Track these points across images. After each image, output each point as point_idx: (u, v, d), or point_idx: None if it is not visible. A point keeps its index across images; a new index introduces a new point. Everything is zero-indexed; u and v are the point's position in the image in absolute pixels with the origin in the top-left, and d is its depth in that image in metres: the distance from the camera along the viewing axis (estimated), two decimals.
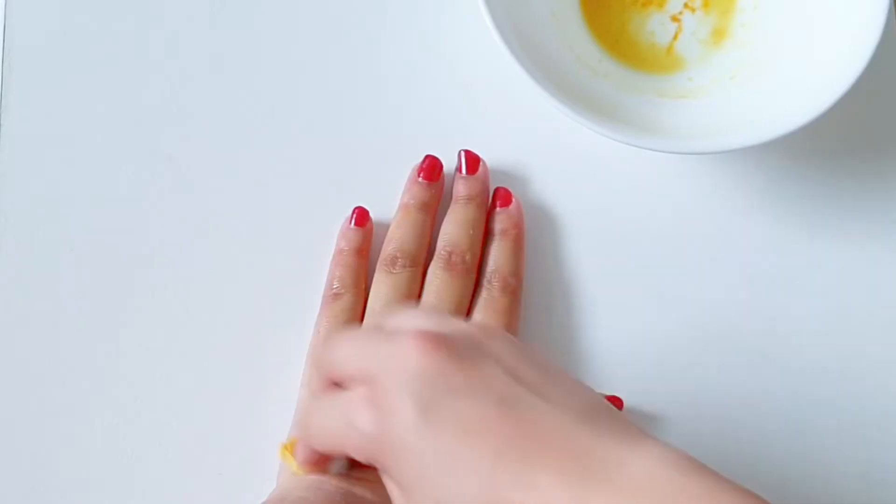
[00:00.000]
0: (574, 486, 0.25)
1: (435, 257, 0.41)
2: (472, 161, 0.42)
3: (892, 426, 0.42)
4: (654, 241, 0.43)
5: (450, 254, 0.40)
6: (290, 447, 0.35)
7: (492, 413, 0.26)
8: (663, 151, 0.39)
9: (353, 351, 0.30)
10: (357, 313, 0.40)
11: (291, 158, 0.43)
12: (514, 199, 0.42)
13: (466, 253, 0.40)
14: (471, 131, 0.43)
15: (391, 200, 0.42)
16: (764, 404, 0.42)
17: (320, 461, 0.34)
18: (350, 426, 0.28)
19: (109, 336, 0.41)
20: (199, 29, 0.44)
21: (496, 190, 0.42)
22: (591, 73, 0.43)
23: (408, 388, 0.27)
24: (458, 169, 0.42)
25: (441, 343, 0.27)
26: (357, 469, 0.36)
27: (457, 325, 0.29)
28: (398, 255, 0.40)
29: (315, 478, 0.35)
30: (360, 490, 0.35)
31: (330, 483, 0.35)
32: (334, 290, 0.40)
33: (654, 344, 0.42)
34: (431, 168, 0.42)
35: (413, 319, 0.29)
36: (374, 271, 0.41)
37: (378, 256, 0.41)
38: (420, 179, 0.42)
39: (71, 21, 0.44)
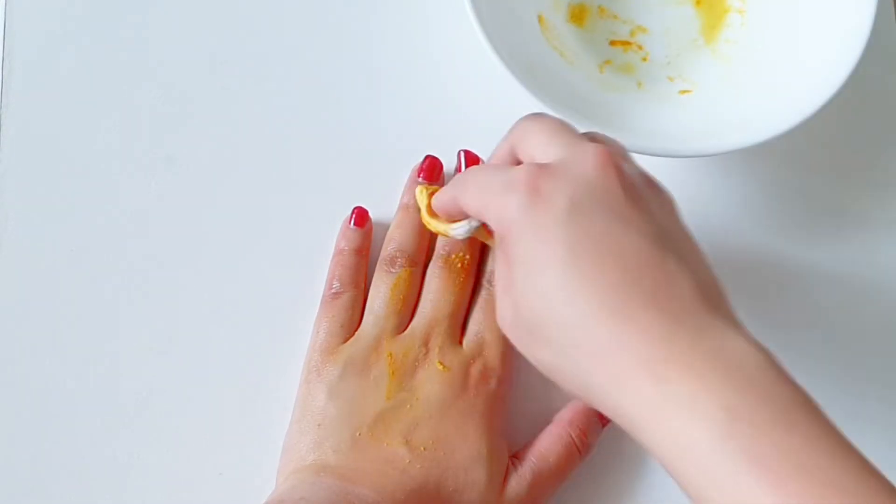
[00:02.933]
0: (666, 336, 0.26)
1: (434, 257, 0.41)
2: (472, 161, 0.42)
3: (892, 426, 0.42)
4: None
5: (449, 253, 0.40)
6: (430, 190, 0.37)
7: (635, 249, 0.28)
8: (655, 154, 0.39)
9: (546, 135, 0.31)
10: (357, 313, 0.40)
11: (291, 159, 0.43)
12: None
13: (466, 252, 0.40)
14: (470, 132, 0.43)
15: (391, 200, 0.42)
16: None
17: (451, 214, 0.35)
18: (506, 192, 0.29)
19: (109, 336, 0.41)
20: (199, 30, 0.44)
21: None
22: (584, 77, 0.43)
23: (573, 186, 0.28)
24: (458, 169, 0.42)
25: (620, 170, 0.29)
26: (357, 469, 0.36)
27: (639, 167, 0.31)
28: (398, 254, 0.40)
29: (314, 478, 0.35)
30: (360, 490, 0.35)
31: (329, 483, 0.35)
32: (334, 290, 0.40)
33: None
34: (431, 168, 0.42)
35: (608, 140, 0.31)
36: (374, 271, 0.41)
37: (378, 256, 0.41)
38: (420, 179, 0.42)
39: (71, 22, 0.44)
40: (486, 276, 0.41)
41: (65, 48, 0.43)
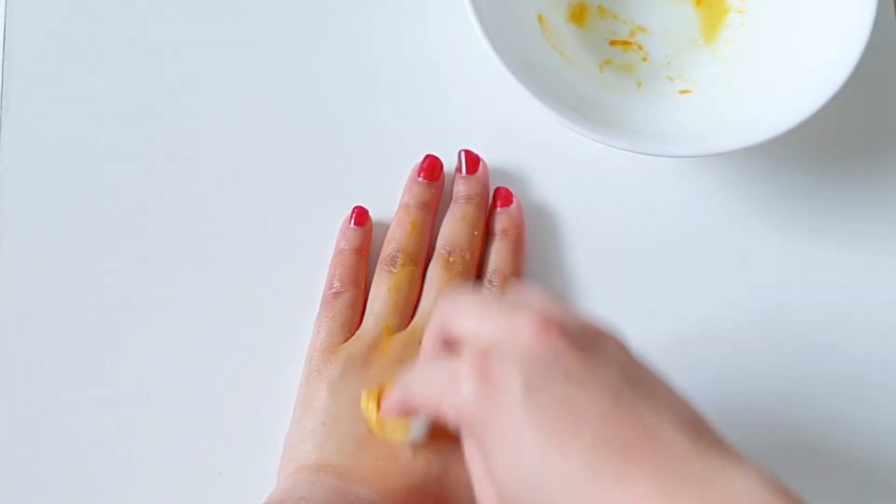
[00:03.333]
0: (670, 494, 0.25)
1: (434, 256, 0.41)
2: (472, 161, 0.42)
3: (892, 426, 0.42)
4: (654, 241, 0.43)
5: (449, 253, 0.40)
6: (374, 395, 0.35)
7: (602, 406, 0.26)
8: (656, 155, 0.39)
9: (475, 313, 0.30)
10: (357, 313, 0.40)
11: (291, 158, 0.43)
12: (514, 200, 0.42)
13: (466, 252, 0.40)
14: (471, 131, 0.43)
15: (391, 200, 0.42)
16: (763, 403, 0.42)
17: (403, 415, 0.34)
18: (454, 388, 0.28)
19: (109, 336, 0.41)
20: (199, 31, 0.44)
21: (497, 190, 0.42)
22: (585, 77, 0.43)
23: (521, 365, 0.27)
24: (458, 169, 0.42)
25: (562, 330, 0.28)
26: (359, 467, 0.36)
27: (577, 317, 0.29)
28: (398, 254, 0.40)
29: (315, 477, 0.35)
30: (360, 489, 0.35)
31: (330, 483, 0.35)
32: (334, 290, 0.40)
33: (653, 344, 0.42)
34: (432, 168, 0.42)
35: (537, 299, 0.30)
36: (374, 271, 0.41)
37: (378, 256, 0.41)
38: (420, 179, 0.42)
39: (71, 22, 0.44)
40: (487, 276, 0.41)
41: (65, 48, 0.43)
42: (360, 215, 0.41)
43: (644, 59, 0.44)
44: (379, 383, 0.36)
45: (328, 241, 0.42)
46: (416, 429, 0.35)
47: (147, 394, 0.40)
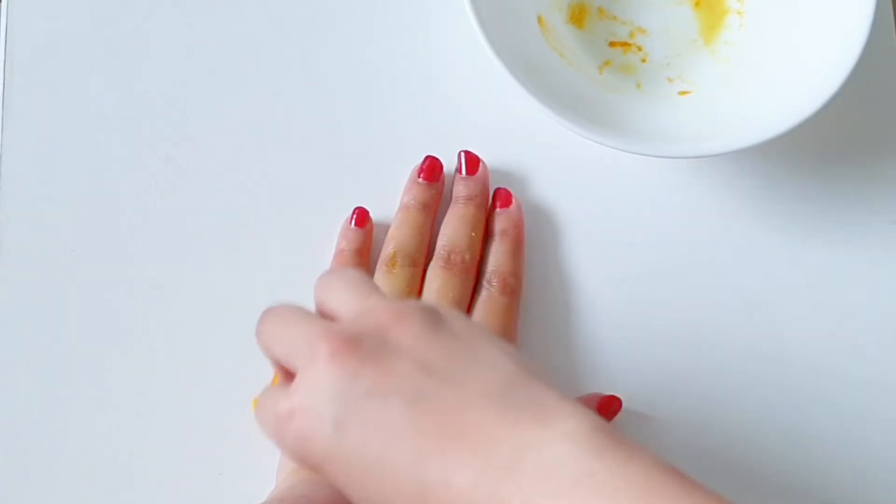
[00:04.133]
0: (487, 479, 0.25)
1: (434, 257, 0.41)
2: (472, 162, 0.42)
3: (892, 426, 0.42)
4: (654, 241, 0.43)
5: (449, 253, 0.40)
6: None
7: (404, 413, 0.26)
8: (655, 155, 0.39)
9: (277, 337, 0.30)
10: None
11: (291, 159, 0.43)
12: (514, 200, 0.42)
13: (465, 252, 0.40)
14: (471, 132, 0.43)
15: (391, 200, 0.42)
16: (762, 404, 0.42)
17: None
18: (281, 437, 0.28)
19: (109, 336, 0.41)
20: (199, 30, 0.44)
21: (497, 190, 0.42)
22: (584, 77, 0.43)
23: (323, 403, 0.27)
24: (458, 169, 0.42)
25: (351, 347, 0.27)
26: None
27: (369, 315, 0.28)
28: (398, 255, 0.40)
29: (314, 477, 0.35)
30: None
31: (329, 482, 0.35)
32: None
33: (652, 344, 0.42)
34: (431, 168, 0.42)
35: (335, 297, 0.30)
36: (374, 271, 0.41)
37: (378, 256, 0.41)
38: (420, 180, 0.42)
39: (71, 22, 0.44)
40: (486, 276, 0.41)
41: (65, 48, 0.43)
42: (361, 216, 0.41)
43: (643, 60, 0.45)
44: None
45: (328, 241, 0.42)
46: None
47: (147, 394, 0.40)
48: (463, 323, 0.29)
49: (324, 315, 0.31)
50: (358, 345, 0.27)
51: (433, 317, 0.28)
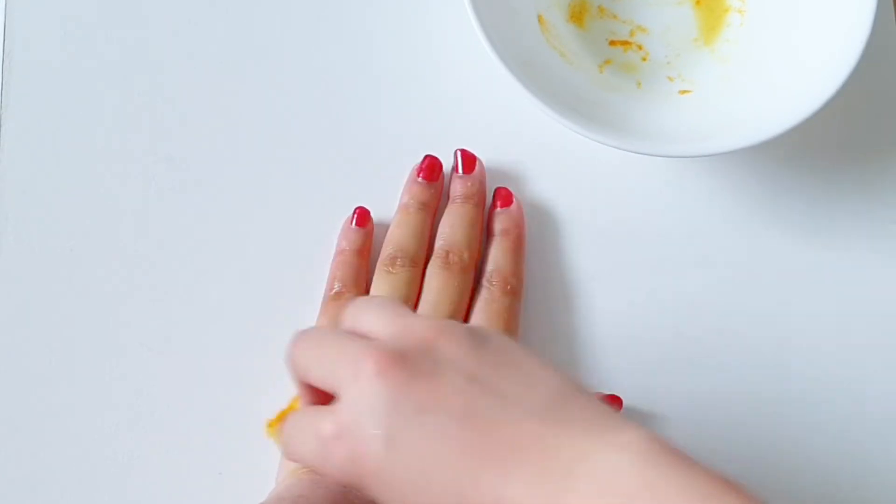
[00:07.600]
0: (542, 492, 0.25)
1: (433, 257, 0.41)
2: (469, 160, 0.42)
3: (891, 426, 0.42)
4: (654, 240, 0.43)
5: (447, 253, 0.40)
6: (277, 423, 0.35)
7: (455, 428, 0.26)
8: (656, 155, 0.39)
9: (315, 360, 0.29)
10: None
11: (292, 159, 0.43)
12: (514, 200, 0.42)
13: (464, 251, 0.40)
14: (471, 132, 0.43)
15: (391, 200, 0.42)
16: (762, 404, 0.42)
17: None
18: (326, 458, 0.28)
19: (109, 336, 0.41)
20: (199, 30, 0.44)
21: (497, 190, 0.42)
22: (584, 77, 0.43)
23: (372, 420, 0.27)
24: (455, 168, 0.42)
25: (398, 362, 0.27)
26: None
27: (410, 332, 0.28)
28: (398, 255, 0.40)
29: (314, 476, 0.35)
30: None
31: (329, 482, 0.35)
32: (335, 290, 0.40)
33: (653, 344, 0.42)
34: (431, 168, 0.42)
35: (372, 320, 0.29)
36: (374, 271, 0.41)
37: (378, 256, 0.41)
38: (419, 179, 0.42)
39: (71, 21, 0.44)
40: (486, 275, 0.41)
41: (65, 48, 0.43)
42: (362, 216, 0.41)
43: (644, 59, 0.44)
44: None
45: (328, 241, 0.42)
46: None
47: (147, 394, 0.40)
48: (502, 338, 0.29)
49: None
50: (405, 359, 0.27)
51: (474, 332, 0.28)
